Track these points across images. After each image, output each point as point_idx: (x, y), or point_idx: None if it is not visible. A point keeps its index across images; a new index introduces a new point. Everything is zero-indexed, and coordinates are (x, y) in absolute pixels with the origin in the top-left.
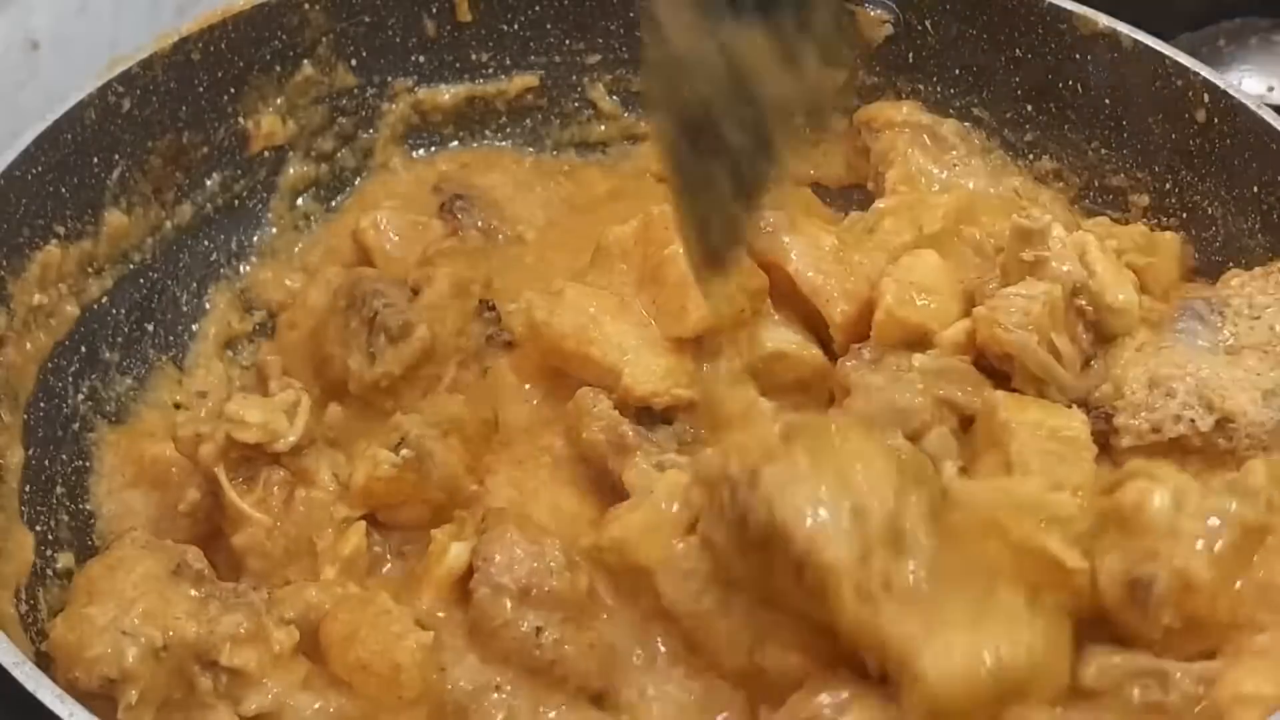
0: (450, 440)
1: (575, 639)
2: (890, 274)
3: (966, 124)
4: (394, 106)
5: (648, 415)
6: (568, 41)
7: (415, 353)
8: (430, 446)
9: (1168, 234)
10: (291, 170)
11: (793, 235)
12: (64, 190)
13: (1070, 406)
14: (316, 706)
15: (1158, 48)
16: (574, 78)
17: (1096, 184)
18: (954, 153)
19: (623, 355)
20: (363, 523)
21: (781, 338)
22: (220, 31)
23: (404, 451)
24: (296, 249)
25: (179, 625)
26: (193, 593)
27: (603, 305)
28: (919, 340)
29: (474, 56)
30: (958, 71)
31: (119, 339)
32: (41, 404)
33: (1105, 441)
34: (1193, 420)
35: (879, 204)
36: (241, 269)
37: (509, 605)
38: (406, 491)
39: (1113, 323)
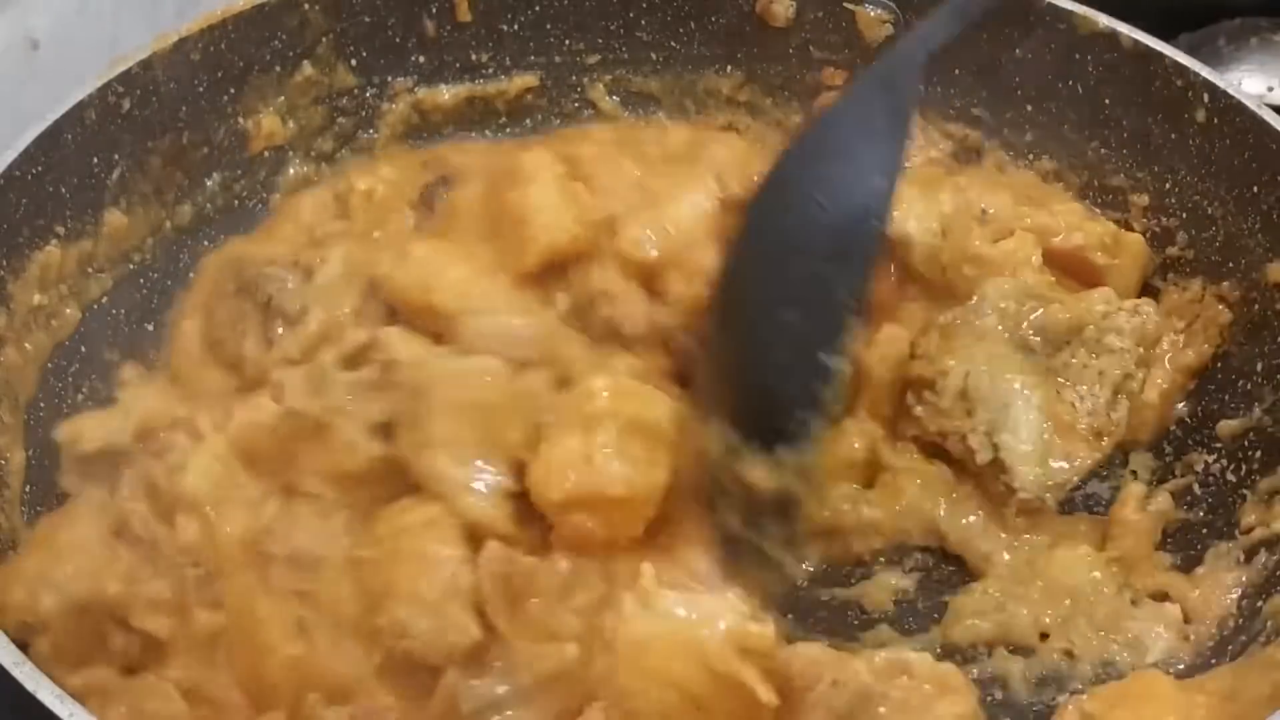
0: None
1: None
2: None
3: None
4: (394, 106)
5: None
6: (568, 41)
7: (313, 336)
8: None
9: (1134, 235)
10: (291, 170)
11: None
12: (64, 190)
13: None
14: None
15: (1158, 48)
16: (574, 78)
17: (1096, 184)
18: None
19: (467, 302)
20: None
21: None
22: (220, 31)
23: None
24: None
25: (102, 585)
26: (125, 554)
27: (447, 256)
28: None
29: (474, 56)
30: (958, 71)
31: (119, 339)
32: (41, 404)
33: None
34: (974, 450)
35: None
36: None
37: None
38: (283, 442)
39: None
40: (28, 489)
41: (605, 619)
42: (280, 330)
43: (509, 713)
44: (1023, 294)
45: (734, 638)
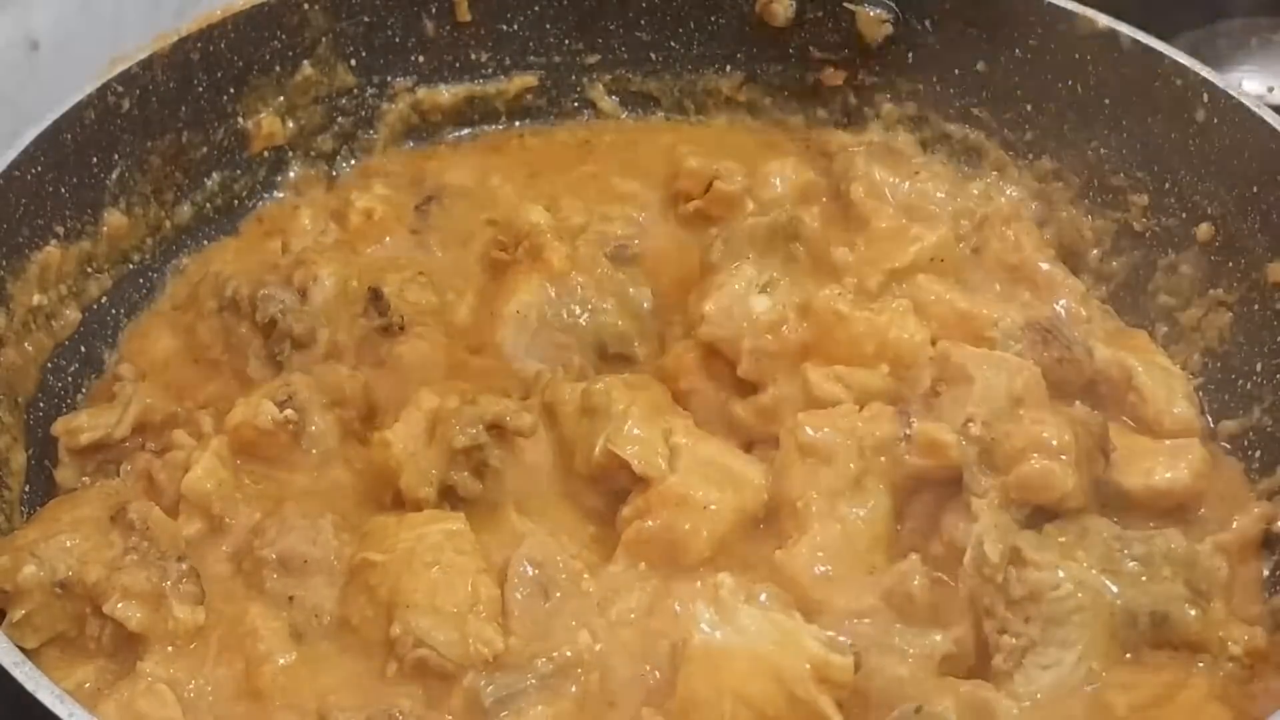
0: (332, 414)
1: None
2: None
3: (924, 136)
4: (394, 106)
5: None
6: (568, 41)
7: (321, 358)
8: (313, 415)
9: None
10: (291, 170)
11: None
12: (64, 190)
13: None
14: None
15: (1158, 48)
16: (574, 78)
17: (1096, 184)
18: (913, 160)
19: None
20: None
21: None
22: (220, 31)
23: (288, 412)
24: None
25: (85, 566)
26: (117, 541)
27: None
28: None
29: (474, 56)
30: (957, 71)
31: (119, 339)
32: (41, 404)
33: None
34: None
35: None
36: None
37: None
38: (275, 449)
39: None
40: (27, 489)
41: (665, 624)
42: (288, 352)
43: (534, 700)
44: None
45: (816, 666)
